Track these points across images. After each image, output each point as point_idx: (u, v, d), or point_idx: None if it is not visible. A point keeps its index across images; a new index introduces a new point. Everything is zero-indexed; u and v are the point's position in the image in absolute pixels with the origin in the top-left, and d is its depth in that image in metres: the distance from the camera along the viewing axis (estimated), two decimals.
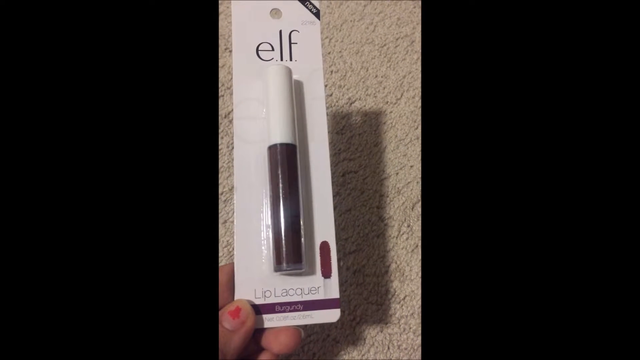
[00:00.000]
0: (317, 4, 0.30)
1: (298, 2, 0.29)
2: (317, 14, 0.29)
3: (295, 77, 0.29)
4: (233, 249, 0.37)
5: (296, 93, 0.28)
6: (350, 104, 0.42)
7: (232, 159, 0.40)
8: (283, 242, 0.25)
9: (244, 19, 0.29)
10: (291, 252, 0.25)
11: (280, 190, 0.26)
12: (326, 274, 0.26)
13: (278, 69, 0.27)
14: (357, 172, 0.39)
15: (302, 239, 0.26)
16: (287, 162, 0.26)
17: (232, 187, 0.39)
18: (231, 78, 0.43)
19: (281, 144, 0.26)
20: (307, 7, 0.29)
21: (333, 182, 0.40)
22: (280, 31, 0.29)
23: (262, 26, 0.29)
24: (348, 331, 0.34)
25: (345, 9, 0.47)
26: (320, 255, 0.26)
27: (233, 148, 0.40)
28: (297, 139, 0.27)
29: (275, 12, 0.29)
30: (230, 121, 0.41)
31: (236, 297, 0.25)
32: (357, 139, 0.41)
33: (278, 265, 0.25)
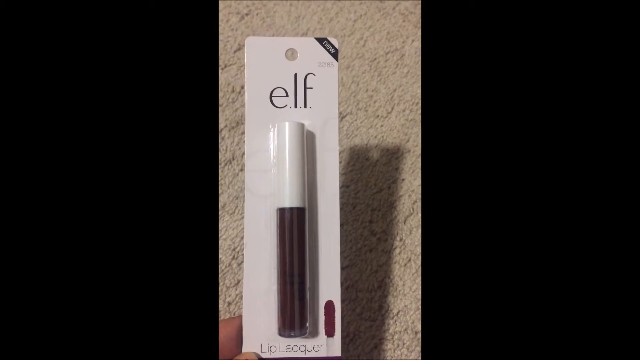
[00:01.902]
0: (335, 42, 0.28)
1: (315, 41, 0.28)
2: (335, 55, 0.28)
3: (308, 124, 0.28)
4: (226, 266, 0.37)
5: (309, 142, 0.28)
6: (342, 118, 0.43)
7: (225, 176, 0.40)
8: (288, 309, 0.26)
9: (258, 60, 0.28)
10: (297, 320, 0.26)
11: (287, 256, 0.26)
12: (329, 332, 0.26)
13: (290, 127, 0.26)
14: (349, 187, 0.39)
15: (307, 302, 0.26)
16: (296, 227, 0.26)
17: (224, 204, 0.39)
18: (223, 95, 0.44)
19: (290, 208, 0.26)
20: (324, 47, 0.28)
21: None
22: (295, 74, 0.28)
23: (277, 69, 0.28)
24: (341, 348, 0.33)
25: (335, 24, 0.48)
26: (325, 315, 0.26)
27: (226, 165, 0.40)
28: (306, 200, 0.27)
29: (291, 53, 0.28)
30: (223, 138, 0.42)
31: (244, 350, 0.26)
32: (348, 153, 0.41)
33: (283, 331, 0.26)
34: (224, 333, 0.25)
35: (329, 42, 0.28)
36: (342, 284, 0.35)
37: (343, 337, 0.34)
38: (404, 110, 0.43)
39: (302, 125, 0.27)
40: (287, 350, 0.26)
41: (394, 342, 0.34)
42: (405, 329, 0.34)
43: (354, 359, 0.33)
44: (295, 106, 0.28)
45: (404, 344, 0.33)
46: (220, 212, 0.38)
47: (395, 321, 0.34)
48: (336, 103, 0.28)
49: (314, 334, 0.26)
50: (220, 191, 0.39)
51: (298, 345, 0.26)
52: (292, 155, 0.26)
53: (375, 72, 0.45)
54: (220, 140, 0.42)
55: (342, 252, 0.37)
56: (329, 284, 0.27)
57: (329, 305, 0.27)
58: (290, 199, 0.26)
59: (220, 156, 0.41)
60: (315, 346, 0.26)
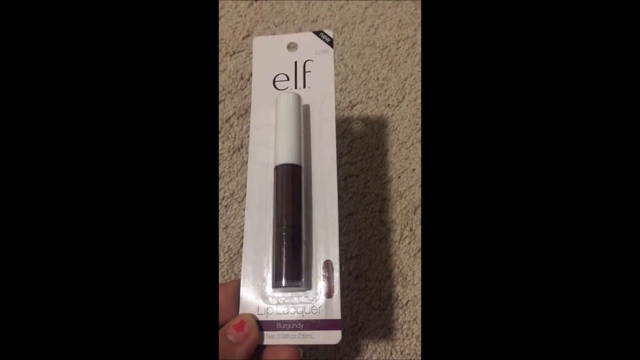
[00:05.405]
0: (330, 33, 0.31)
1: (312, 34, 0.31)
2: (330, 43, 0.31)
3: (307, 102, 0.30)
4: (234, 254, 0.37)
5: (307, 116, 0.30)
6: (352, 107, 0.42)
7: (233, 164, 0.39)
8: (283, 258, 0.25)
9: (264, 55, 0.31)
10: (290, 269, 0.25)
11: (283, 208, 0.26)
12: (328, 293, 0.26)
13: (285, 96, 0.29)
14: (359, 176, 0.39)
15: (303, 256, 0.26)
16: (291, 182, 0.27)
17: (233, 192, 0.38)
18: (232, 82, 0.43)
19: (287, 165, 0.27)
20: (321, 38, 0.31)
21: None
22: (296, 62, 0.31)
23: (279, 59, 0.31)
24: (350, 337, 0.33)
25: (346, 11, 0.47)
26: (323, 274, 0.26)
27: (234, 153, 0.40)
28: (302, 160, 0.28)
29: (293, 46, 0.31)
30: (231, 126, 0.41)
31: (240, 312, 0.26)
32: (358, 143, 0.40)
33: (277, 282, 0.25)
34: (222, 296, 0.25)
35: (325, 34, 0.31)
36: (351, 273, 0.35)
37: (352, 326, 0.34)
38: (415, 100, 0.42)
39: (298, 95, 0.29)
40: (284, 312, 0.25)
41: (403, 331, 0.33)
42: (415, 319, 0.34)
43: (363, 347, 0.33)
44: (296, 87, 0.30)
45: (413, 333, 0.33)
46: (229, 200, 0.38)
47: (405, 311, 0.34)
48: (333, 82, 0.30)
49: (313, 295, 0.26)
50: (228, 179, 0.39)
51: (296, 306, 0.25)
52: (288, 119, 0.28)
53: (387, 60, 0.44)
54: (228, 128, 0.41)
55: (351, 242, 0.36)
56: (327, 245, 0.26)
57: (327, 265, 0.26)
58: (286, 157, 0.27)
59: (228, 144, 0.40)
60: (314, 308, 0.25)
